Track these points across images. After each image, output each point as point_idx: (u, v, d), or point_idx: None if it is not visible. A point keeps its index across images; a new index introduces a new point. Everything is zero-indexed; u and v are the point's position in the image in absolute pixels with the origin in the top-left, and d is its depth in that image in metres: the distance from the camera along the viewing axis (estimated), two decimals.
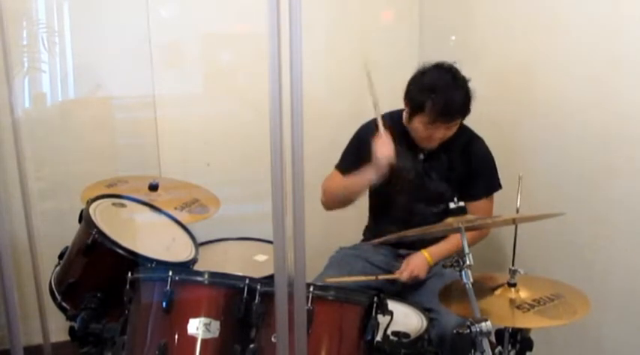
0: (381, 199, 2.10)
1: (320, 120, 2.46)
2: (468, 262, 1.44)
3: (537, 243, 2.06)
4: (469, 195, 1.89)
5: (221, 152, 2.54)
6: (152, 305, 1.42)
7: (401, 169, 1.91)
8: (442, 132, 1.86)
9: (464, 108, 1.83)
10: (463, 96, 1.82)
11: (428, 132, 1.87)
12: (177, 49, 2.45)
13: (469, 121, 2.02)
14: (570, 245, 1.97)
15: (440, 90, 1.80)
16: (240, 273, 1.48)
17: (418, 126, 1.87)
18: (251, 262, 2.07)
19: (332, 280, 1.87)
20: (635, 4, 1.68)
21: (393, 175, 1.89)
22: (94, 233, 1.60)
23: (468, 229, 1.53)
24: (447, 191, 1.95)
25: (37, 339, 2.26)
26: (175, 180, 2.27)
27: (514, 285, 1.52)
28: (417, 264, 1.90)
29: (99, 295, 1.59)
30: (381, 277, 1.91)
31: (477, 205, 1.91)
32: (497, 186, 1.98)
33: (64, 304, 1.67)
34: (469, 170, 1.95)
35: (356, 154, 2.05)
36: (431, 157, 1.97)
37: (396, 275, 1.90)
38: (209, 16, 2.43)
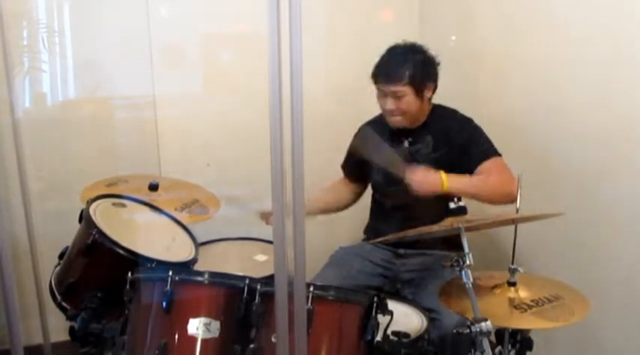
0: (379, 196, 2.11)
1: (320, 120, 2.46)
2: (467, 262, 1.44)
3: (537, 242, 2.06)
4: (469, 166, 1.88)
5: (221, 152, 2.54)
6: (152, 305, 1.42)
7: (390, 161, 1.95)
8: (392, 102, 1.90)
9: (398, 70, 1.87)
10: (401, 61, 1.89)
11: (382, 103, 1.94)
12: (177, 49, 2.45)
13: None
14: (570, 245, 1.97)
15: (383, 56, 1.93)
16: (240, 273, 1.48)
17: (378, 100, 1.95)
18: (251, 262, 2.07)
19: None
20: (636, 3, 1.68)
21: (383, 170, 1.94)
22: (94, 233, 1.60)
23: (467, 229, 1.53)
24: None
25: (37, 339, 2.27)
26: (175, 180, 2.27)
27: (514, 284, 1.52)
28: (427, 174, 1.81)
29: (99, 295, 1.59)
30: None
31: (483, 168, 1.87)
32: (491, 150, 1.91)
33: (64, 304, 1.67)
34: (456, 145, 1.92)
35: (354, 155, 2.09)
36: (415, 142, 1.98)
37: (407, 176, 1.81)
38: (209, 16, 2.43)
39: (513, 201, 1.76)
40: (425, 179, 1.80)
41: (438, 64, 1.97)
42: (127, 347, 1.43)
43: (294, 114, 0.99)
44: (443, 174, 1.80)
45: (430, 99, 1.98)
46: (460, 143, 1.92)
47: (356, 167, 2.17)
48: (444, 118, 1.99)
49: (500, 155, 1.92)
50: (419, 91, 1.90)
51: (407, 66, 1.88)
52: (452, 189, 1.77)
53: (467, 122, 1.98)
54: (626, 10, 1.70)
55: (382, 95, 1.93)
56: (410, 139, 2.00)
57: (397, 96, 1.90)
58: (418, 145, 1.98)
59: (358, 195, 2.24)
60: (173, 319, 1.38)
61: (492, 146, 1.93)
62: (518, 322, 1.43)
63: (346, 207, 2.24)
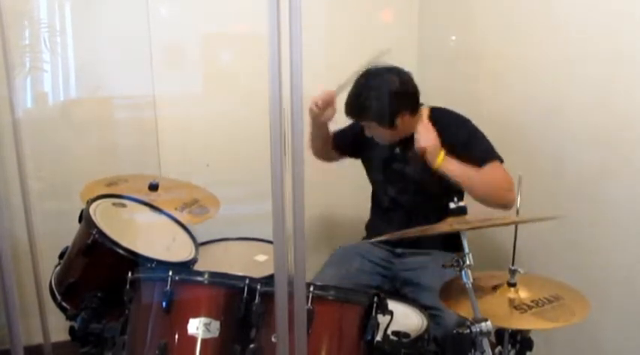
0: (379, 194, 2.11)
1: None
2: (467, 262, 1.44)
3: (537, 243, 2.06)
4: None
5: (221, 152, 2.54)
6: (152, 305, 1.42)
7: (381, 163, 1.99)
8: (366, 130, 1.93)
9: (361, 106, 1.85)
10: (365, 95, 1.84)
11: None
12: (178, 49, 2.45)
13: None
14: (570, 245, 1.97)
15: (352, 88, 1.90)
16: (240, 273, 1.48)
17: None
18: (251, 262, 2.08)
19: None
20: (636, 3, 1.68)
21: (378, 170, 1.96)
22: (94, 233, 1.61)
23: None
24: (429, 181, 1.93)
25: (37, 339, 2.27)
26: (175, 180, 2.27)
27: (514, 285, 1.52)
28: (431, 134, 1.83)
29: (99, 295, 1.60)
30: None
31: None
32: (491, 153, 1.86)
33: (64, 304, 1.67)
34: (453, 145, 1.86)
35: (350, 132, 2.12)
36: (407, 148, 1.96)
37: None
38: (209, 16, 2.43)
39: (507, 206, 1.79)
40: (428, 140, 1.81)
41: (413, 91, 1.90)
42: (127, 347, 1.43)
43: (294, 114, 0.99)
44: (442, 151, 1.81)
45: (414, 119, 1.91)
46: (457, 142, 1.86)
47: (348, 144, 2.16)
48: (440, 119, 1.94)
49: (501, 159, 1.86)
50: (387, 123, 1.86)
51: (370, 101, 1.83)
52: (444, 168, 1.80)
53: (464, 122, 1.93)
54: (626, 10, 1.70)
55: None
56: (401, 146, 1.98)
57: (369, 128, 1.92)
58: (410, 152, 1.95)
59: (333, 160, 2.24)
60: (173, 319, 1.38)
61: (492, 149, 1.88)
62: (518, 322, 1.43)
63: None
